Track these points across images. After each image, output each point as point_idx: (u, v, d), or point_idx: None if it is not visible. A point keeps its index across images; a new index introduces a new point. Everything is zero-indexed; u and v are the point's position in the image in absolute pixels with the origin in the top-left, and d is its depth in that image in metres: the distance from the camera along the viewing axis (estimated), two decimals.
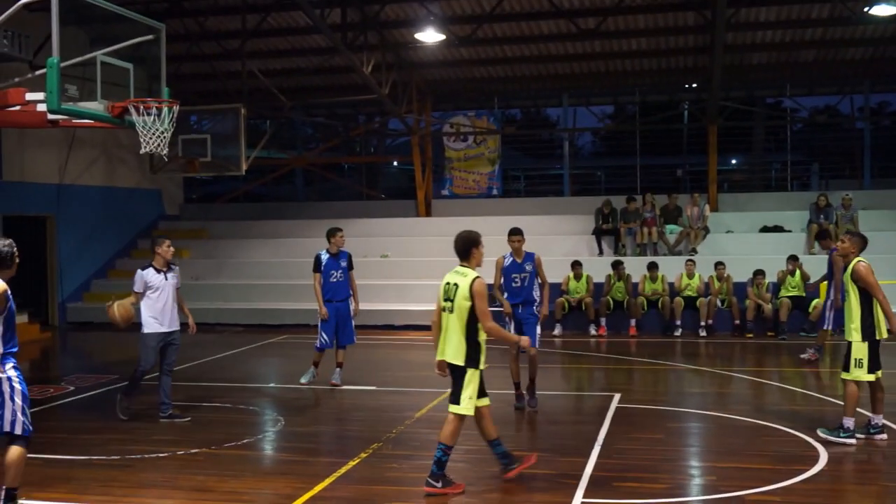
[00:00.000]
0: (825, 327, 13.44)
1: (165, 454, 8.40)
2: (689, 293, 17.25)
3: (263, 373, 14.18)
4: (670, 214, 20.26)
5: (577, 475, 7.48)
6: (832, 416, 9.06)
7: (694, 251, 19.32)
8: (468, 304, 7.00)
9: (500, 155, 24.09)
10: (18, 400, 6.41)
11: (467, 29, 19.19)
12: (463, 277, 7.09)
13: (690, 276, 17.46)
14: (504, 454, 7.40)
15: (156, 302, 9.76)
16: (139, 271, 9.85)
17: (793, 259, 16.81)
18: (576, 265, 18.01)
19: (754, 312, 16.70)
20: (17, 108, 10.25)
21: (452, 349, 7.08)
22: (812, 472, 7.59)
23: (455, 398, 7.12)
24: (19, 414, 6.41)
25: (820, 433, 8.56)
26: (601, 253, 19.95)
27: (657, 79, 22.87)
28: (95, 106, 10.00)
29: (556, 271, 18.27)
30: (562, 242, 20.56)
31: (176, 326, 9.94)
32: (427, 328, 18.10)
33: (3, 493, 6.45)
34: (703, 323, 16.88)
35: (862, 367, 8.42)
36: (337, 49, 18.39)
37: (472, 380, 7.06)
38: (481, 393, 7.19)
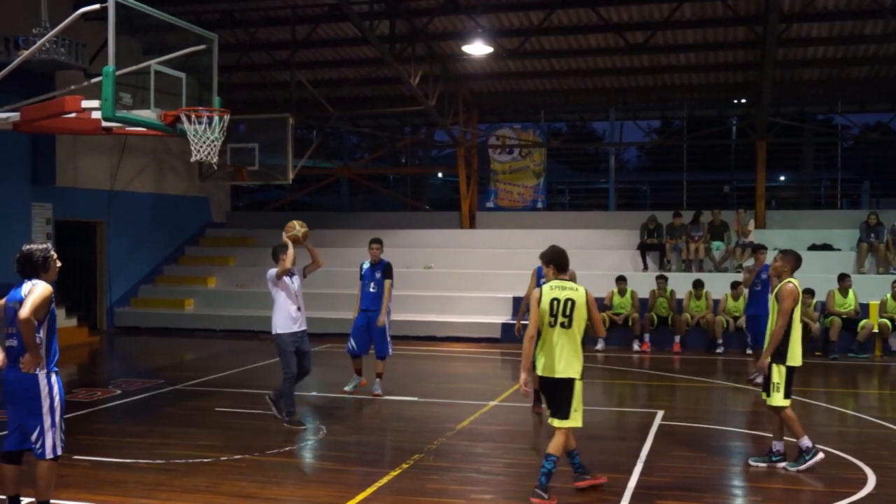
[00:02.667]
0: None
1: (209, 459, 8.48)
2: (738, 314, 16.96)
3: (305, 381, 14.15)
4: (716, 230, 20.08)
5: (619, 491, 7.43)
6: (879, 438, 8.88)
7: (740, 268, 19.10)
8: (585, 317, 7.19)
9: (545, 168, 24.04)
10: (58, 419, 6.20)
11: (515, 42, 19.20)
12: (575, 292, 7.19)
13: (736, 299, 17.16)
14: (580, 464, 7.51)
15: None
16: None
17: (844, 277, 16.55)
18: (620, 280, 17.92)
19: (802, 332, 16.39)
20: (73, 115, 10.47)
21: (564, 363, 7.15)
22: (860, 495, 7.43)
23: (563, 412, 7.15)
24: (59, 436, 6.22)
25: (787, 468, 8.11)
26: (646, 268, 19.82)
27: (705, 94, 22.68)
28: (148, 114, 10.18)
29: (600, 286, 18.24)
30: (606, 257, 20.49)
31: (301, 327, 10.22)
32: (470, 340, 18.35)
33: None
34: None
35: (779, 391, 8.06)
36: (385, 60, 18.48)
37: (579, 392, 7.20)
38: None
